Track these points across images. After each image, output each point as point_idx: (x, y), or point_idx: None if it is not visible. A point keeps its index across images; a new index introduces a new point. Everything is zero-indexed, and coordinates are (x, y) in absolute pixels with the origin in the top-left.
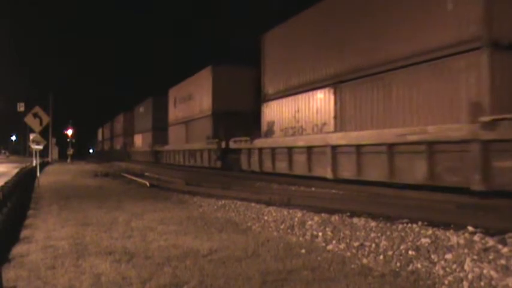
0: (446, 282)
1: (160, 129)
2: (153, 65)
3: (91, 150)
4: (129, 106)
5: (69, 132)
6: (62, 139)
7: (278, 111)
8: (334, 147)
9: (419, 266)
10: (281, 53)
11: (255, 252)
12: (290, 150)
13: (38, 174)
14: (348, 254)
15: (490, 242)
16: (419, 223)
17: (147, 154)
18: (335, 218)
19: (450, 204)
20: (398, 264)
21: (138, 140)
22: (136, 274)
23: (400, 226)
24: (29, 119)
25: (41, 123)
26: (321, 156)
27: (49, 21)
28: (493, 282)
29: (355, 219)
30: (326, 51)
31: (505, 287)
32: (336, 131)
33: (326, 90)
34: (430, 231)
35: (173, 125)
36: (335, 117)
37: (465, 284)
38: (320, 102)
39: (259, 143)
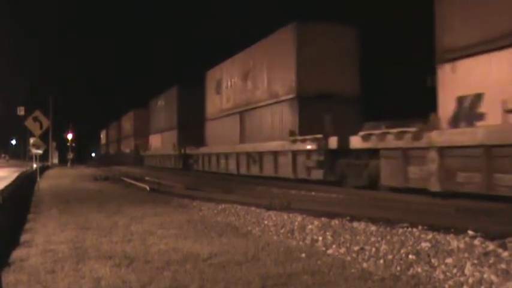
0: (446, 286)
1: (188, 126)
2: (153, 65)
3: (93, 154)
4: (141, 101)
5: (69, 136)
6: (62, 143)
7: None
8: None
9: (419, 270)
10: None
11: (255, 257)
12: None
13: (38, 178)
14: (348, 258)
15: (491, 246)
16: (420, 227)
17: (171, 159)
18: (335, 222)
19: (450, 208)
20: (398, 268)
21: (156, 141)
22: (136, 278)
23: (400, 230)
24: (29, 123)
25: (41, 127)
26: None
27: (49, 21)
28: (494, 287)
29: (355, 224)
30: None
31: None
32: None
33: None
34: (430, 236)
35: (215, 119)
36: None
37: None
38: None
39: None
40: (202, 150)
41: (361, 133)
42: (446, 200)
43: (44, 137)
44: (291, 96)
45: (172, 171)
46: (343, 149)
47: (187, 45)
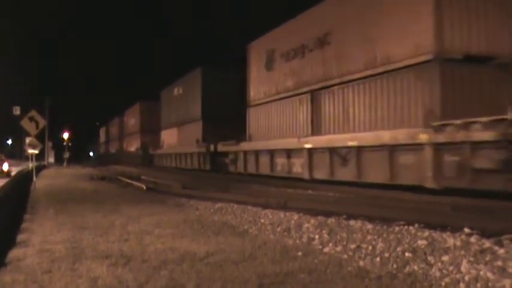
0: (443, 284)
1: (216, 117)
2: (153, 65)
3: (91, 154)
4: (149, 93)
5: (65, 135)
6: (58, 142)
7: None
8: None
9: (416, 268)
10: None
11: (251, 255)
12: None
13: (34, 178)
14: (345, 256)
15: (487, 243)
16: (416, 225)
17: (192, 158)
18: (331, 220)
19: (446, 206)
20: (395, 266)
21: (170, 137)
22: (133, 277)
23: (397, 228)
24: (25, 123)
25: (37, 127)
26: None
27: (49, 21)
28: (490, 284)
29: (351, 222)
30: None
31: None
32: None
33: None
34: (426, 233)
35: (264, 104)
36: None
37: (462, 285)
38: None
39: None
40: (245, 146)
41: None
42: (442, 198)
43: (40, 137)
44: (423, 58)
45: (184, 173)
46: None
47: (187, 45)
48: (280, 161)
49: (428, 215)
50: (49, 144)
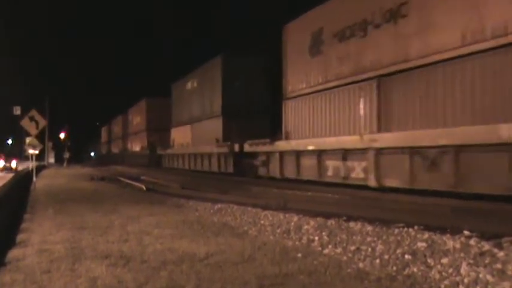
0: (442, 286)
1: (239, 112)
2: (153, 65)
3: (92, 154)
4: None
5: (62, 135)
6: (58, 143)
7: None
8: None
9: (415, 270)
10: None
11: (251, 256)
12: None
13: (34, 178)
14: (345, 258)
15: (486, 246)
16: (416, 227)
17: (212, 159)
18: (331, 222)
19: (446, 208)
20: (394, 268)
21: (183, 135)
22: (132, 278)
23: (397, 230)
24: (25, 123)
25: (37, 127)
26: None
27: (49, 21)
28: (489, 287)
29: (351, 224)
30: None
31: None
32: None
33: None
34: (426, 236)
35: (307, 95)
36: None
37: None
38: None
39: None
40: (282, 145)
41: None
42: (442, 200)
43: (40, 137)
44: None
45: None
46: None
47: (187, 45)
48: (333, 163)
49: (428, 217)
50: (49, 144)
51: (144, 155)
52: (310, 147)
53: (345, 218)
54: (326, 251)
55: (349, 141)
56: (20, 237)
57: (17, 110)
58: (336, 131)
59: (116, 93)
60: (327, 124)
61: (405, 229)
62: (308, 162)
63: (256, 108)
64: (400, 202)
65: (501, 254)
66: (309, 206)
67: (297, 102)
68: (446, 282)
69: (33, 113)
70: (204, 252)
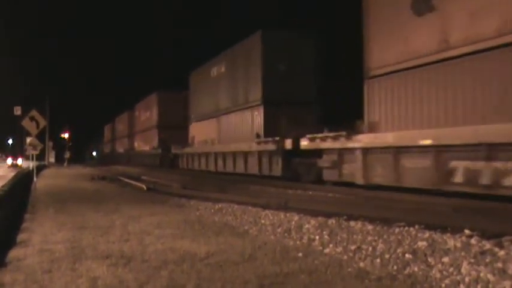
0: (443, 285)
1: (282, 104)
2: (153, 65)
3: (94, 153)
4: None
5: (66, 135)
6: (59, 142)
7: None
8: None
9: (416, 269)
10: None
11: (252, 256)
12: None
13: (35, 178)
14: (345, 257)
15: (487, 245)
16: (416, 226)
17: (251, 159)
18: (332, 221)
19: (447, 207)
20: (395, 267)
21: (206, 130)
22: (133, 278)
23: (397, 229)
24: (26, 123)
25: (37, 127)
26: None
27: (49, 21)
28: (490, 286)
29: (352, 223)
30: None
31: None
32: None
33: None
34: (427, 235)
35: (411, 69)
36: None
37: (462, 287)
38: None
39: None
40: (368, 140)
41: None
42: (443, 199)
43: (40, 136)
44: None
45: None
46: None
47: (187, 45)
48: (466, 165)
49: (428, 216)
50: (50, 144)
51: (155, 155)
52: (424, 142)
53: (345, 217)
54: (327, 250)
55: (499, 131)
56: (20, 237)
57: (18, 111)
58: (467, 117)
59: (115, 93)
60: (447, 109)
61: (406, 228)
62: (417, 163)
63: (308, 95)
64: (401, 201)
65: (502, 253)
66: (309, 205)
67: (387, 81)
68: (447, 281)
69: (34, 113)
70: (205, 252)
